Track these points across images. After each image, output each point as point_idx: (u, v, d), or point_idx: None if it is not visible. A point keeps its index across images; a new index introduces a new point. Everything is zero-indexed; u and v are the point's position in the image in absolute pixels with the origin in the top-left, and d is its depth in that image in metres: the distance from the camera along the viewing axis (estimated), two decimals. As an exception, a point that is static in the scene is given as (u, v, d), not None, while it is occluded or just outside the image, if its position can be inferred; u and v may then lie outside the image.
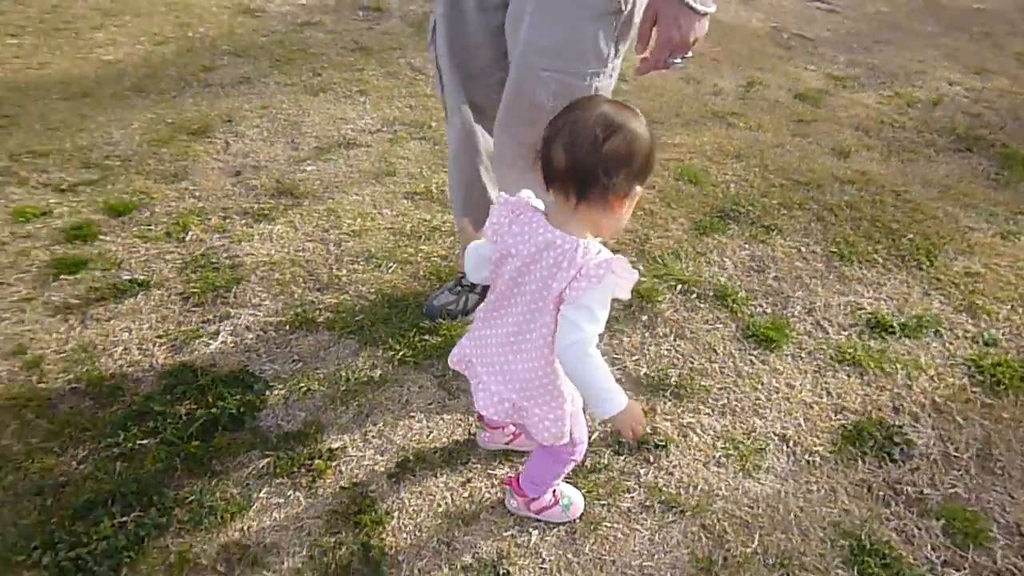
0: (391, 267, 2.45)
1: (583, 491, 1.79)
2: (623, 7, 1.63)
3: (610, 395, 1.33)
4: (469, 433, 1.92)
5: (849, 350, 2.29)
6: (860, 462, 1.96)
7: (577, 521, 1.74)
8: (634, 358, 2.20)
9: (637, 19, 1.70)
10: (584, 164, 1.28)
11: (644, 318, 2.34)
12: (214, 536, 1.63)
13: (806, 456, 1.96)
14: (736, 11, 5.06)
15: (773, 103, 3.80)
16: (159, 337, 2.11)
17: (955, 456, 1.98)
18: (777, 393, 2.13)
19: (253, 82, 3.54)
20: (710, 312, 2.39)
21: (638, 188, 1.32)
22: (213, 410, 1.88)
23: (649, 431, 1.96)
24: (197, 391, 1.93)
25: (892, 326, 2.40)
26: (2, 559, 1.54)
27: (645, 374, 2.15)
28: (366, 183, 2.88)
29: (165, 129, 3.09)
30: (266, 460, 1.79)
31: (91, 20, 3.94)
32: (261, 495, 1.72)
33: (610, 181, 1.28)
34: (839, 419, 2.07)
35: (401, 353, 2.12)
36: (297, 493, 1.74)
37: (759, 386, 2.15)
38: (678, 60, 1.63)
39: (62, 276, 2.27)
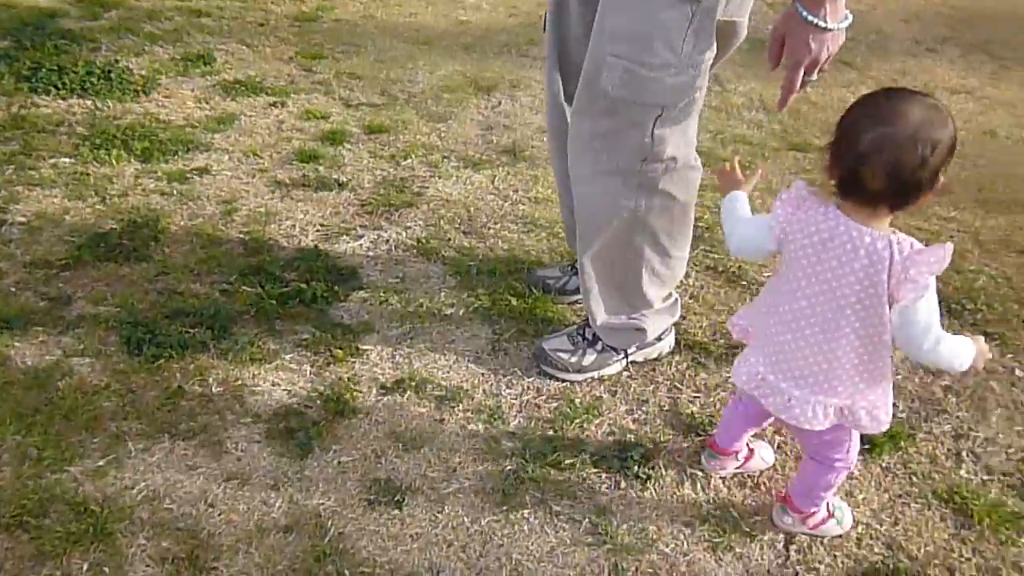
0: (540, 236, 2.56)
1: (532, 476, 1.76)
2: None
3: (966, 356, 1.37)
4: (474, 386, 1.99)
5: (968, 494, 1.79)
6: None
7: (490, 497, 1.72)
8: (697, 394, 2.01)
9: (720, 14, 1.59)
10: (908, 185, 1.28)
11: (742, 365, 2.11)
12: (227, 367, 1.98)
13: (799, 566, 1.63)
14: None
15: None
16: (321, 225, 2.53)
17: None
18: (826, 494, 1.78)
19: (560, 60, 3.82)
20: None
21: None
22: (304, 286, 2.22)
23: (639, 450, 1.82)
24: (307, 269, 2.30)
25: (1063, 497, 1.80)
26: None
27: (692, 413, 1.96)
28: (582, 164, 2.99)
29: (460, 81, 3.55)
30: (309, 335, 2.09)
31: (474, -12, 4.61)
32: (286, 357, 2.02)
33: (931, 188, 1.29)
34: (880, 554, 1.67)
35: (480, 303, 2.24)
36: (308, 367, 2.00)
37: (810, 478, 1.82)
38: (814, 78, 1.55)
39: (295, 162, 2.84)
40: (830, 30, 1.47)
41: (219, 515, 1.64)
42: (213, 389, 1.91)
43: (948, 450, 1.92)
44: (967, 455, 1.91)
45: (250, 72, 3.44)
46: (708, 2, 1.55)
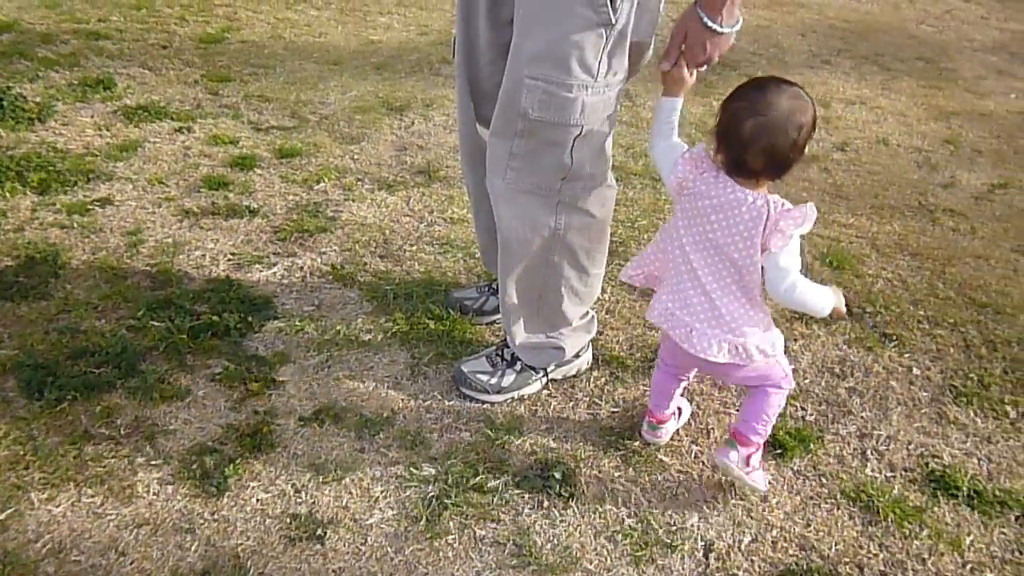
0: (457, 257, 2.56)
1: (455, 501, 1.75)
2: (613, 20, 1.58)
3: (825, 302, 1.60)
4: (394, 412, 1.98)
5: (874, 491, 1.87)
6: (779, 608, 1.62)
7: (413, 525, 1.71)
8: (615, 408, 2.05)
9: (631, 35, 1.64)
10: (783, 162, 1.54)
11: (658, 377, 2.16)
12: (136, 407, 1.91)
13: (718, 573, 1.68)
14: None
15: (1017, 212, 3.13)
16: (232, 254, 2.48)
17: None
18: (742, 501, 1.84)
19: (472, 79, 3.85)
20: (737, 396, 2.12)
21: None
22: (216, 318, 2.17)
23: (558, 476, 1.84)
24: (219, 301, 2.25)
25: (960, 488, 1.90)
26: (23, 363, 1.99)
27: (611, 427, 1.99)
28: (498, 182, 3.01)
29: (372, 101, 3.53)
30: (222, 369, 2.04)
31: (384, 7, 4.59)
32: (199, 392, 1.97)
33: (799, 160, 1.55)
34: (794, 555, 1.73)
35: (398, 327, 2.23)
36: (222, 402, 1.95)
37: (726, 486, 1.87)
38: (703, 69, 1.71)
39: (203, 189, 2.77)
40: (723, 33, 1.60)
41: (131, 564, 1.57)
42: (121, 431, 1.84)
43: (854, 450, 2.01)
44: (872, 453, 2.00)
45: (153, 96, 3.34)
46: (620, 24, 1.60)
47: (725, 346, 1.64)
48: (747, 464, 1.80)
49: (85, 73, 3.48)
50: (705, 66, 1.68)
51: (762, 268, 1.59)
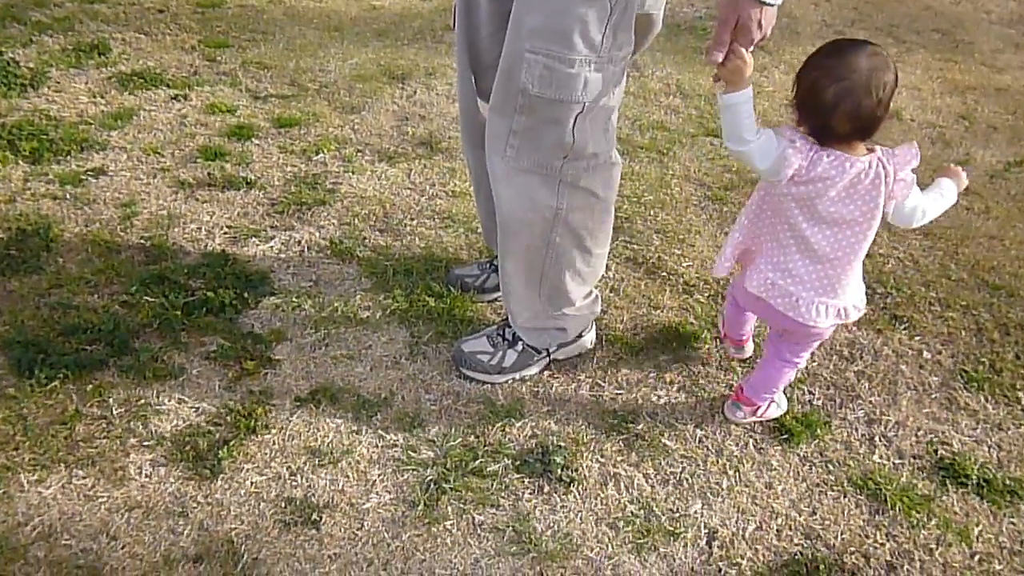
0: (458, 232, 2.50)
1: (453, 486, 1.72)
2: None
3: (951, 201, 1.69)
4: (393, 393, 1.93)
5: (881, 479, 1.83)
6: (784, 599, 1.59)
7: (410, 510, 1.67)
8: (619, 390, 2.00)
9: (636, 7, 1.56)
10: (870, 122, 1.52)
11: (662, 357, 2.11)
12: (129, 386, 1.87)
13: (722, 562, 1.64)
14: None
15: (1032, 190, 3.05)
16: (228, 227, 2.42)
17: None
18: (747, 487, 1.80)
19: (476, 47, 3.75)
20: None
21: None
22: (211, 294, 2.12)
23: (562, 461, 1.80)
24: (214, 276, 2.20)
25: (968, 476, 1.86)
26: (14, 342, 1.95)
27: (614, 410, 1.95)
28: (501, 155, 2.94)
29: (373, 69, 3.44)
30: (217, 347, 2.00)
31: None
32: (193, 371, 1.93)
33: (886, 116, 1.53)
34: (799, 544, 1.69)
35: (397, 304, 2.18)
36: (217, 381, 1.91)
37: (731, 472, 1.83)
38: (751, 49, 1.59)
39: (200, 160, 2.70)
40: (773, 6, 1.50)
41: (123, 548, 1.54)
42: (113, 411, 1.80)
43: (862, 436, 1.96)
44: (880, 440, 1.96)
45: (149, 63, 3.26)
46: None
47: (832, 311, 1.67)
48: (755, 415, 1.94)
49: (79, 38, 3.39)
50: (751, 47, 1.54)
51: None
